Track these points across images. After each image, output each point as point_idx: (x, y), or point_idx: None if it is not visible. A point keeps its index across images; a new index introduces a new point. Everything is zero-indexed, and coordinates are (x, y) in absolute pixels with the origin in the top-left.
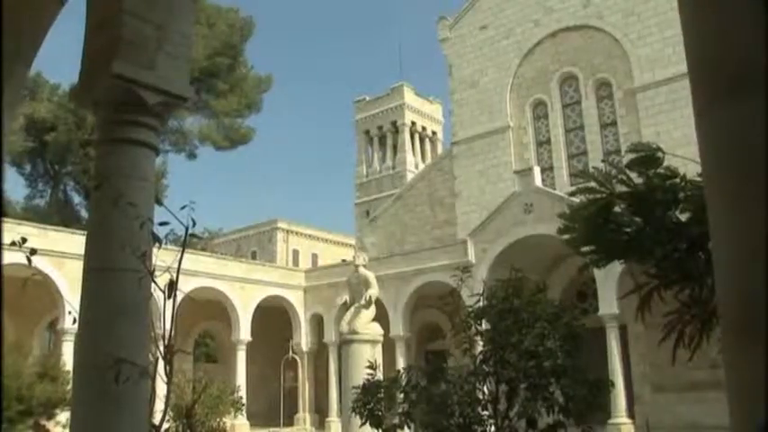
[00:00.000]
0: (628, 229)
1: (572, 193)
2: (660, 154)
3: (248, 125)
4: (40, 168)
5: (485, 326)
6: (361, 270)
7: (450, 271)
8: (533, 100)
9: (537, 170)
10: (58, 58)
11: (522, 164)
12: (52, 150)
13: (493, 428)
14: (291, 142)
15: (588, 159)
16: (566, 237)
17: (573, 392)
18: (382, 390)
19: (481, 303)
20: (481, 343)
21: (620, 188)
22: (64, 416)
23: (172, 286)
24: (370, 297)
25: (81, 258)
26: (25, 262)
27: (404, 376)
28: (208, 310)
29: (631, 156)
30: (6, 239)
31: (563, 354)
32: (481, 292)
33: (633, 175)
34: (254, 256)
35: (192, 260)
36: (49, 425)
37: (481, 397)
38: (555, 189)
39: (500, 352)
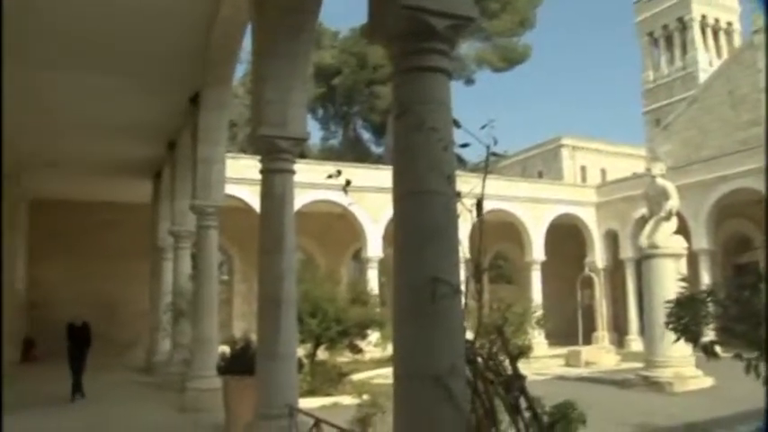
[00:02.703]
0: None
1: None
2: None
3: (524, 43)
4: (330, 111)
5: None
6: (659, 181)
7: (760, 175)
8: None
9: None
10: (333, 3)
11: None
12: (340, 93)
13: None
14: (570, 55)
15: None
16: None
17: None
18: (698, 304)
19: None
20: None
21: None
22: (374, 336)
23: (479, 206)
24: (670, 209)
25: (377, 191)
26: (330, 199)
27: (721, 289)
28: (500, 232)
29: None
30: (311, 178)
31: None
32: None
33: None
34: (539, 176)
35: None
36: (362, 344)
37: None
38: None
39: None
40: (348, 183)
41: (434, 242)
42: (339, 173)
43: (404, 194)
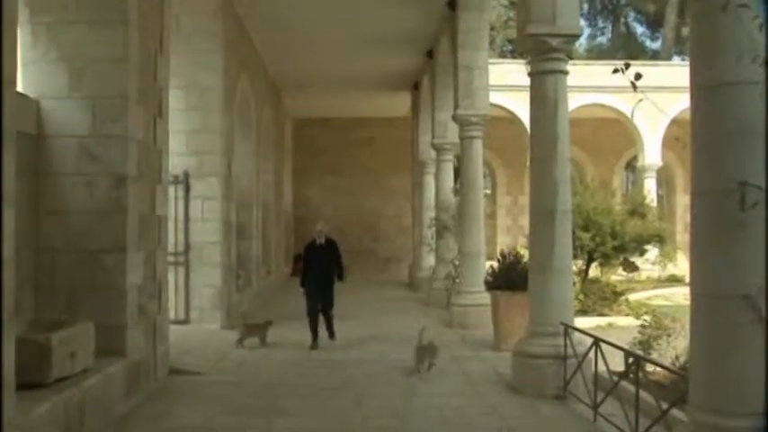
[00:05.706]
0: None
1: None
2: None
3: None
4: (597, 5)
5: None
6: None
7: None
8: None
9: None
10: None
11: None
12: None
13: None
14: None
15: None
16: None
17: None
18: None
19: None
20: None
21: None
22: (652, 253)
23: None
24: None
25: (656, 90)
26: (602, 102)
27: None
28: None
29: None
30: (579, 81)
31: None
32: None
33: None
34: None
35: None
36: (638, 261)
37: None
38: None
39: None
40: (639, 76)
41: (744, 140)
42: (628, 66)
43: (706, 86)
